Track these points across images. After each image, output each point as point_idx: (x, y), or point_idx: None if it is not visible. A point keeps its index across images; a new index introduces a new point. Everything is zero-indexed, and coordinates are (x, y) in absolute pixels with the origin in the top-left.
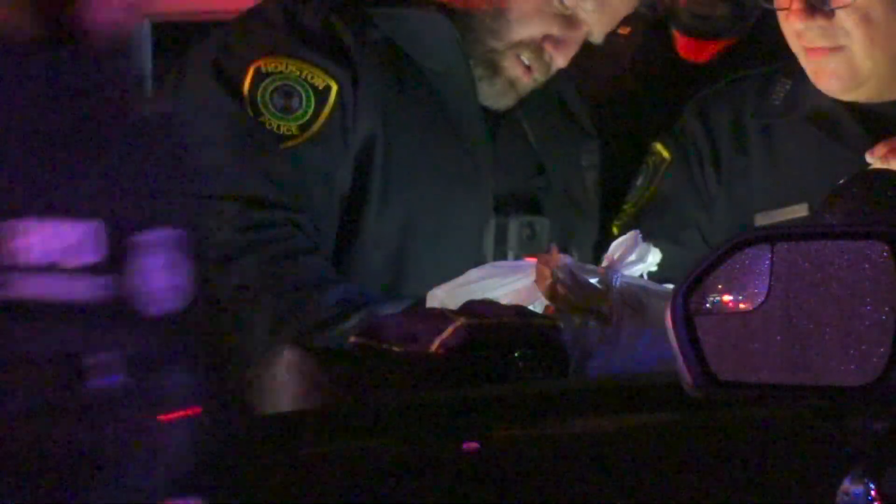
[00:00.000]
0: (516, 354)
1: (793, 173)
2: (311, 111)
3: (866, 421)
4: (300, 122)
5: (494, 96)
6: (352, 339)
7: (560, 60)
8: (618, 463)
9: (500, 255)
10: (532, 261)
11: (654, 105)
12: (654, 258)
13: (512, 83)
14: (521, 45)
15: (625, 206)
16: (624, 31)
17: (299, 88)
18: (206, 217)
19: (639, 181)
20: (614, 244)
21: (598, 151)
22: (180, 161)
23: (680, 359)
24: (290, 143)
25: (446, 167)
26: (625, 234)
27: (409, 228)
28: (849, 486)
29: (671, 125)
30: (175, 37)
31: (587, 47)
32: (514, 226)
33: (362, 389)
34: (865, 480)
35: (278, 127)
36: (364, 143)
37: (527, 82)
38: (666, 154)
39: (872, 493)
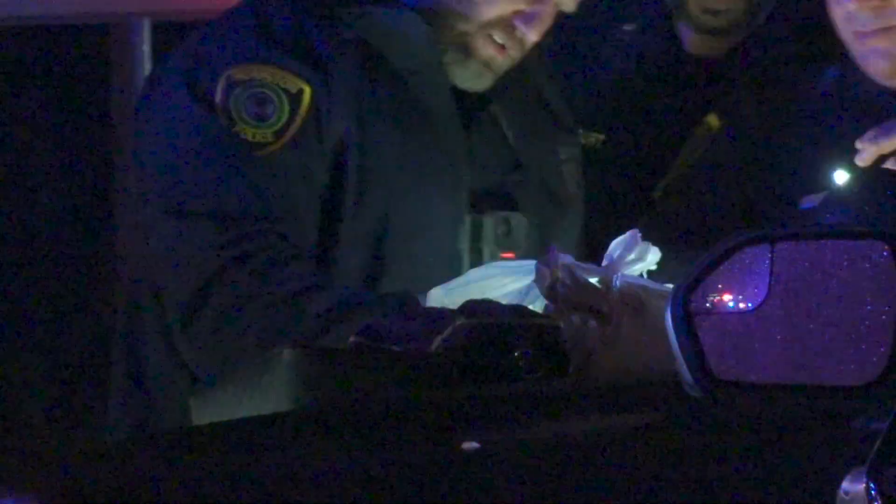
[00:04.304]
0: (516, 354)
1: (838, 159)
2: (285, 116)
3: (866, 421)
4: (275, 128)
5: (470, 79)
6: (352, 339)
7: (532, 35)
8: (617, 463)
9: (476, 251)
10: (532, 261)
11: (663, 102)
12: (653, 257)
13: (486, 64)
14: (491, 24)
15: (668, 174)
16: (629, 27)
17: (272, 94)
18: (185, 236)
19: (685, 150)
20: (613, 243)
21: (577, 144)
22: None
23: (680, 359)
24: (266, 151)
25: (421, 165)
26: (665, 201)
27: (386, 227)
28: (849, 486)
29: (681, 123)
30: (175, 37)
31: (594, 44)
32: (489, 222)
33: (362, 389)
34: (865, 480)
35: (253, 135)
36: (338, 144)
37: (502, 61)
38: (715, 123)
39: (872, 492)
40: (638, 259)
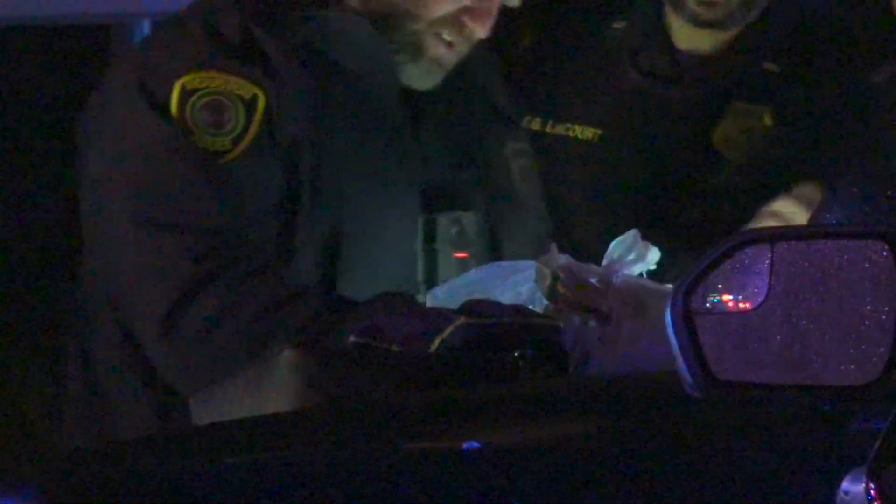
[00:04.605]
0: (516, 354)
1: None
2: (241, 123)
3: (866, 421)
4: (232, 135)
5: (421, 77)
6: (352, 339)
7: (480, 31)
8: (617, 463)
9: (430, 252)
10: (532, 261)
11: (657, 99)
12: (653, 257)
13: (437, 61)
14: (439, 22)
15: (722, 171)
16: (618, 25)
17: (227, 102)
18: (157, 248)
19: (738, 147)
20: (613, 243)
21: (524, 138)
22: None
23: (680, 359)
24: (226, 159)
25: (373, 167)
26: (717, 198)
27: (340, 230)
28: (849, 486)
29: (676, 119)
30: None
31: (586, 41)
32: (442, 222)
33: (362, 389)
34: (865, 480)
35: (212, 143)
36: (292, 148)
37: (451, 58)
38: (769, 121)
39: (872, 493)
40: (638, 259)
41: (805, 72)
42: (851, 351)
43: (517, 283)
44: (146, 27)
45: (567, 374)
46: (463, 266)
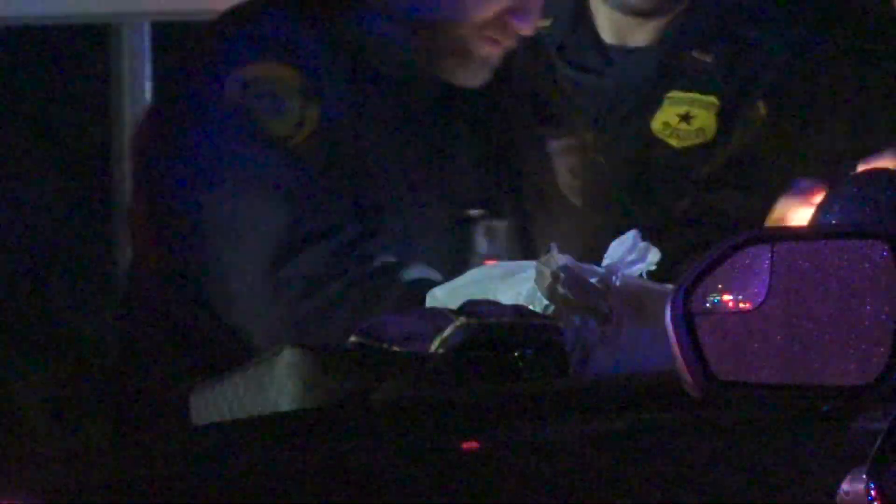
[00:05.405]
0: (516, 354)
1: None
2: (298, 109)
3: (866, 421)
4: (295, 121)
5: (470, 76)
6: (352, 338)
7: (525, 28)
8: (617, 463)
9: (462, 259)
10: (532, 262)
11: (593, 91)
12: (653, 257)
13: (485, 60)
14: (486, 24)
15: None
16: (542, 24)
17: (284, 90)
18: (252, 213)
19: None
20: (613, 244)
21: (569, 134)
22: None
23: (680, 359)
24: (294, 142)
25: (406, 171)
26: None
27: (375, 236)
28: (849, 486)
29: (612, 111)
30: (175, 37)
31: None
32: (478, 229)
33: (362, 389)
34: (865, 480)
35: (281, 129)
36: (333, 148)
37: (498, 55)
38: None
39: (872, 493)
40: (638, 259)
41: (738, 59)
42: (851, 351)
43: (517, 283)
44: (146, 27)
45: (567, 374)
46: None
